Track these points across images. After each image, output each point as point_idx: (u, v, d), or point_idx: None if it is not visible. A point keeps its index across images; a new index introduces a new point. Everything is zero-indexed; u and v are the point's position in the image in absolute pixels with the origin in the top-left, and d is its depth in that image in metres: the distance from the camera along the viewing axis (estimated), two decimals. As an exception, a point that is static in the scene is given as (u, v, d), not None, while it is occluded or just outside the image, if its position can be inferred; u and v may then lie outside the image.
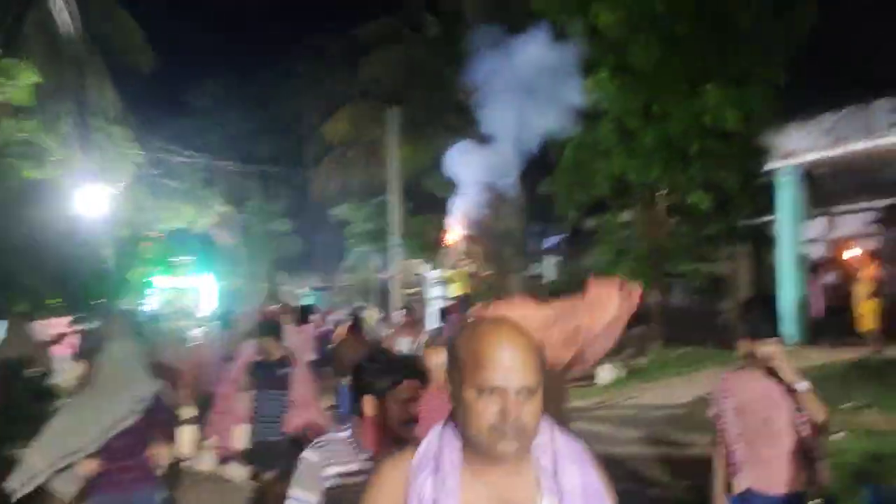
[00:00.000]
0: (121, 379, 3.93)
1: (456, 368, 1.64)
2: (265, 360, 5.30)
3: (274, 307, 14.56)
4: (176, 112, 34.19)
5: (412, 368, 2.79)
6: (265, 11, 49.44)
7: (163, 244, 21.88)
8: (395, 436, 2.61)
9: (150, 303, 21.03)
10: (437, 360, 3.68)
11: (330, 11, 48.98)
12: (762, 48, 12.25)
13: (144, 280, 21.05)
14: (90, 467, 3.85)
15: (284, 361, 5.29)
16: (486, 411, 1.55)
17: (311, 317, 9.60)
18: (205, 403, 6.47)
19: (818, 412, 3.54)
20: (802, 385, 3.52)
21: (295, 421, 5.21)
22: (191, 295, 24.65)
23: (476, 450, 1.60)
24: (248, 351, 5.55)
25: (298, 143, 35.97)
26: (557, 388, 5.17)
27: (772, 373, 3.55)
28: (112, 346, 4.13)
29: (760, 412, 3.57)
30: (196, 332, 9.27)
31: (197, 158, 27.86)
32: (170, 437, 4.27)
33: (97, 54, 17.34)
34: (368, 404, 2.68)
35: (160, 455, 4.07)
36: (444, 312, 9.31)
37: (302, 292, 29.94)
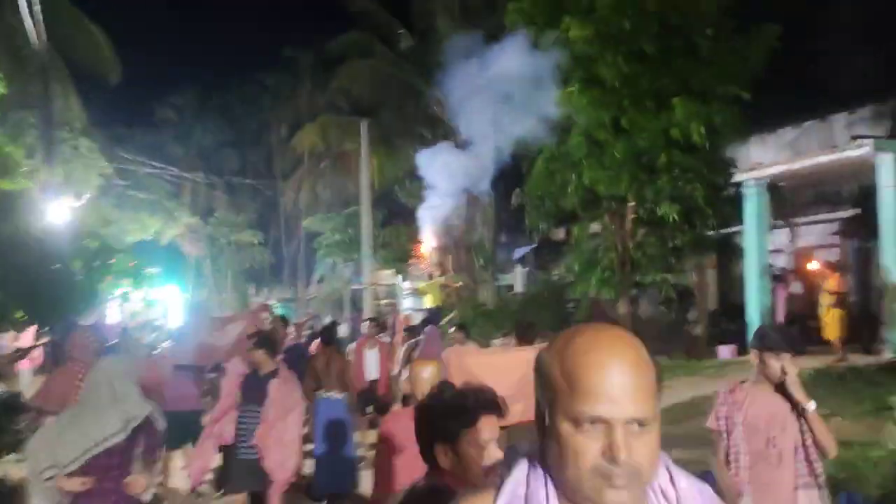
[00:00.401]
0: (112, 395, 3.86)
1: (546, 392, 1.26)
2: (255, 373, 5.13)
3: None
4: (143, 124, 33.84)
5: (487, 401, 2.29)
6: (233, 24, 49.25)
7: (129, 256, 21.56)
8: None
9: (117, 315, 20.72)
10: (424, 374, 3.57)
11: (299, 24, 48.90)
12: (726, 64, 12.57)
13: (111, 293, 20.70)
14: (72, 483, 3.77)
15: (275, 375, 5.12)
16: (587, 449, 1.19)
17: (287, 329, 9.50)
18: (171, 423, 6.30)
19: (825, 439, 3.29)
20: (811, 406, 3.28)
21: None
22: (157, 307, 24.31)
23: (575, 496, 1.23)
24: (237, 366, 5.41)
25: (267, 155, 35.81)
26: None
27: (779, 390, 3.31)
28: (104, 362, 4.06)
29: (764, 431, 3.29)
30: (161, 346, 9.05)
31: (164, 170, 27.57)
32: (152, 465, 3.96)
33: (63, 65, 17.13)
34: (442, 454, 2.22)
35: (138, 483, 3.77)
36: (424, 323, 9.33)
37: (272, 304, 29.69)
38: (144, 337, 11.43)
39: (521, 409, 4.89)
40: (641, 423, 1.21)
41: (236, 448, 5.04)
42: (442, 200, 17.94)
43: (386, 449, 3.33)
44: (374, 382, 8.23)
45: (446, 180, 17.61)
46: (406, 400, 6.23)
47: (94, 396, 3.82)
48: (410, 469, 3.23)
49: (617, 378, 1.20)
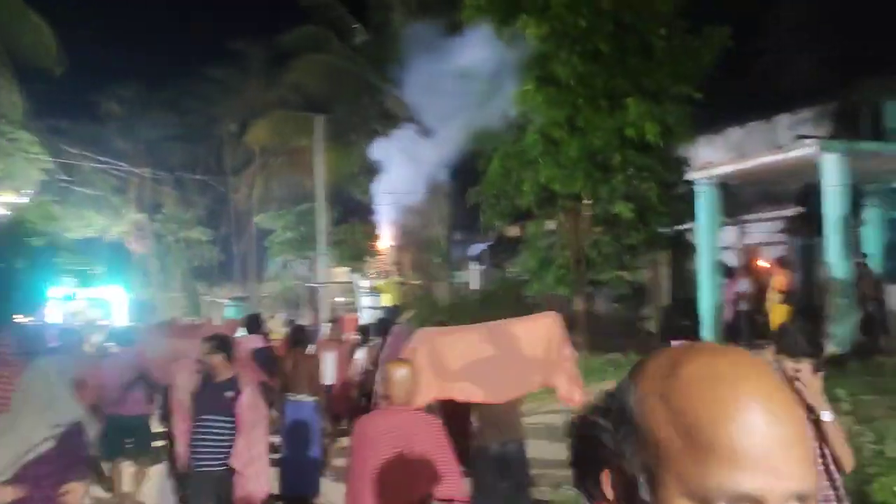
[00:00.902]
0: (42, 400, 3.66)
1: (640, 449, 0.83)
2: (211, 380, 4.80)
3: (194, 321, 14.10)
4: (87, 117, 32.81)
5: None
6: (182, 15, 48.20)
7: (73, 254, 20.93)
8: None
9: (58, 315, 20.08)
10: (399, 376, 3.47)
11: (248, 17, 48.10)
12: (678, 64, 12.82)
13: (52, 291, 20.06)
14: (3, 493, 3.55)
15: (233, 383, 4.76)
16: None
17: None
18: (118, 427, 6.12)
19: (843, 451, 2.94)
20: (827, 415, 2.96)
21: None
22: (100, 307, 23.63)
23: None
24: (186, 370, 5.14)
25: (217, 150, 35.14)
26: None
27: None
28: (39, 364, 3.87)
29: None
30: (103, 347, 8.65)
31: (109, 165, 26.81)
32: (84, 473, 3.71)
33: (4, 56, 16.50)
34: (608, 482, 1.93)
35: (75, 491, 3.50)
36: (385, 324, 9.04)
37: (224, 303, 29.18)
38: (92, 337, 11.06)
39: (494, 388, 4.89)
40: (803, 500, 0.78)
41: (194, 461, 4.75)
42: (397, 197, 17.88)
43: (359, 450, 3.29)
44: (330, 387, 7.74)
45: (401, 176, 17.56)
46: (365, 398, 6.18)
47: (27, 400, 3.62)
48: (384, 471, 3.21)
49: (773, 432, 0.77)
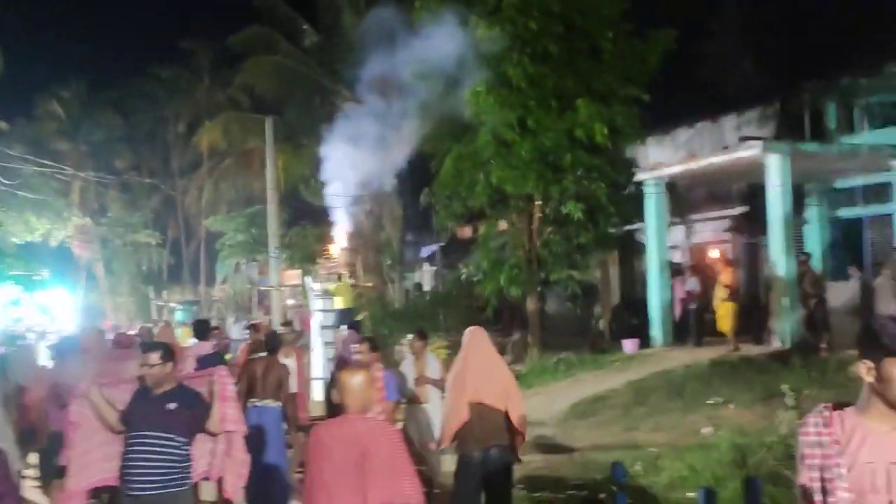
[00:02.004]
0: None
1: None
2: (147, 392, 4.25)
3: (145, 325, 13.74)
4: (27, 119, 31.77)
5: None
6: (126, 13, 47.10)
7: (15, 259, 20.28)
8: None
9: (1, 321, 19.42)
10: (353, 383, 3.37)
11: (196, 16, 47.24)
12: (625, 66, 13.00)
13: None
14: None
15: (177, 394, 4.24)
16: None
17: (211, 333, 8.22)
18: (53, 446, 5.26)
19: None
20: None
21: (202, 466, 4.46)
22: (44, 312, 22.93)
23: None
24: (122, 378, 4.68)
25: (164, 152, 34.42)
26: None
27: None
28: None
29: (885, 489, 2.12)
30: (46, 356, 8.20)
31: (51, 168, 26.01)
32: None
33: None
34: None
35: None
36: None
37: (174, 307, 28.60)
38: (37, 345, 10.66)
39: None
40: None
41: (127, 485, 4.11)
42: (349, 199, 17.74)
43: (314, 460, 3.23)
44: (292, 396, 6.97)
45: (353, 178, 17.42)
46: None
47: None
48: (339, 480, 3.16)
49: None
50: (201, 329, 7.78)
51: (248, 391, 6.30)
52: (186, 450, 4.22)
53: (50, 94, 32.76)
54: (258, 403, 6.30)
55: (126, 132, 34.05)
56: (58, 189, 28.34)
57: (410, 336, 7.20)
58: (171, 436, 4.11)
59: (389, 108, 15.70)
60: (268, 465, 6.06)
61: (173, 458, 4.13)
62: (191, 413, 4.25)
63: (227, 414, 4.49)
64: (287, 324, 10.02)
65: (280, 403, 6.36)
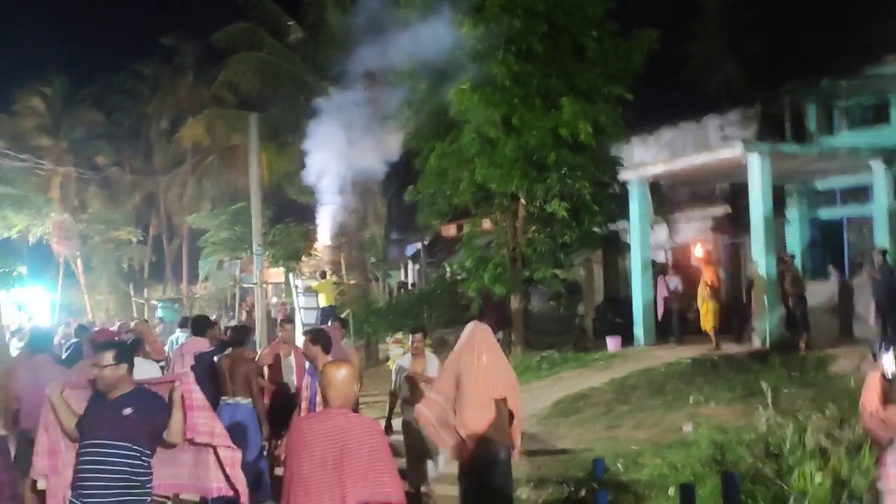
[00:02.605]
0: None
1: None
2: (105, 396, 3.85)
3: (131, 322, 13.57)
4: (7, 113, 31.39)
5: None
6: (108, 7, 46.64)
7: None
8: None
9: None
10: (337, 377, 3.29)
11: (180, 12, 46.85)
12: (610, 65, 13.05)
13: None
14: None
15: (136, 398, 3.87)
16: None
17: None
18: (27, 450, 4.95)
19: None
20: None
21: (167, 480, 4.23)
22: (21, 310, 22.66)
23: None
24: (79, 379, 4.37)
25: (146, 149, 34.15)
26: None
27: None
28: None
29: None
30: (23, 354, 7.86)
31: (30, 163, 25.73)
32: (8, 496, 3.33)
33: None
34: None
35: None
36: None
37: (156, 304, 28.37)
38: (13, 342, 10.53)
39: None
40: None
41: (79, 496, 3.74)
42: (333, 196, 17.71)
43: (294, 454, 3.21)
44: (261, 391, 6.70)
45: (337, 175, 17.38)
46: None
47: None
48: (319, 475, 3.14)
49: None
50: (200, 325, 7.55)
51: (220, 389, 6.20)
52: (146, 460, 3.85)
53: (31, 89, 32.38)
54: (230, 401, 6.17)
55: (108, 128, 33.76)
56: (37, 185, 28.02)
57: (401, 334, 7.11)
58: (127, 444, 3.74)
59: (374, 105, 15.68)
60: (245, 464, 5.99)
61: (129, 468, 3.75)
62: (149, 420, 3.86)
63: (198, 424, 4.14)
64: (289, 321, 9.79)
65: (249, 399, 6.19)
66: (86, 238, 30.58)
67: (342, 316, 11.97)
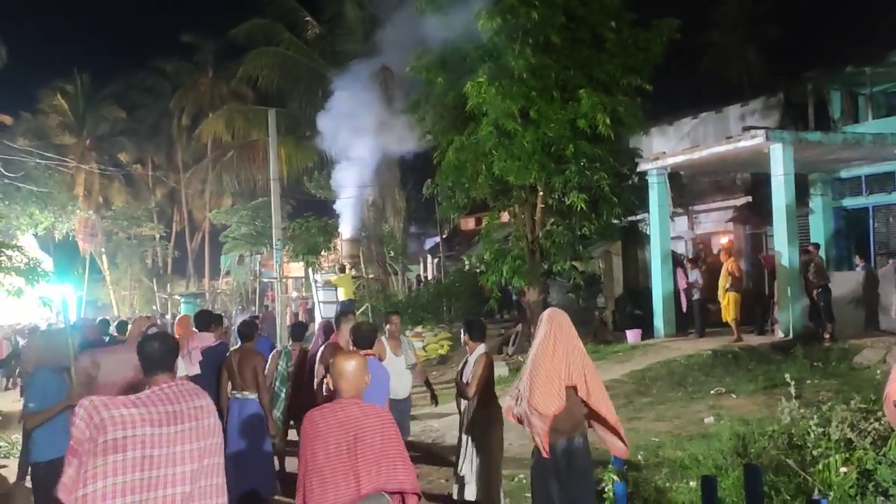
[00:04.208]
0: None
1: None
2: None
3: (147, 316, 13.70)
4: (32, 113, 31.84)
5: None
6: (128, 6, 47.05)
7: (20, 253, 20.29)
8: None
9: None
10: (349, 368, 3.30)
11: (198, 9, 47.13)
12: (628, 56, 12.91)
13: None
14: None
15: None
16: None
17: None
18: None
19: None
20: None
21: None
22: (47, 305, 22.97)
23: None
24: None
25: (168, 145, 34.48)
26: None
27: None
28: None
29: None
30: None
31: (55, 161, 26.06)
32: None
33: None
34: None
35: None
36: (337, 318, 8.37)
37: (179, 299, 28.68)
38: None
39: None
40: None
41: None
42: (352, 191, 17.76)
43: (308, 444, 3.23)
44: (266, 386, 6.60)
45: (356, 170, 17.42)
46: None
47: None
48: (334, 465, 3.16)
49: None
50: (203, 320, 7.63)
51: (227, 384, 6.28)
52: None
53: (54, 88, 32.82)
54: (238, 396, 6.22)
55: (130, 125, 34.14)
56: (62, 182, 28.40)
57: (421, 328, 7.06)
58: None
59: (392, 99, 15.68)
60: (253, 459, 6.03)
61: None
62: None
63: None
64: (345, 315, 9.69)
65: (257, 394, 6.20)
66: (110, 234, 30.98)
67: (361, 309, 12.01)
